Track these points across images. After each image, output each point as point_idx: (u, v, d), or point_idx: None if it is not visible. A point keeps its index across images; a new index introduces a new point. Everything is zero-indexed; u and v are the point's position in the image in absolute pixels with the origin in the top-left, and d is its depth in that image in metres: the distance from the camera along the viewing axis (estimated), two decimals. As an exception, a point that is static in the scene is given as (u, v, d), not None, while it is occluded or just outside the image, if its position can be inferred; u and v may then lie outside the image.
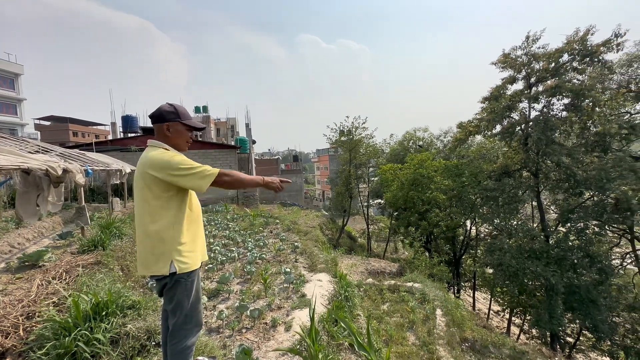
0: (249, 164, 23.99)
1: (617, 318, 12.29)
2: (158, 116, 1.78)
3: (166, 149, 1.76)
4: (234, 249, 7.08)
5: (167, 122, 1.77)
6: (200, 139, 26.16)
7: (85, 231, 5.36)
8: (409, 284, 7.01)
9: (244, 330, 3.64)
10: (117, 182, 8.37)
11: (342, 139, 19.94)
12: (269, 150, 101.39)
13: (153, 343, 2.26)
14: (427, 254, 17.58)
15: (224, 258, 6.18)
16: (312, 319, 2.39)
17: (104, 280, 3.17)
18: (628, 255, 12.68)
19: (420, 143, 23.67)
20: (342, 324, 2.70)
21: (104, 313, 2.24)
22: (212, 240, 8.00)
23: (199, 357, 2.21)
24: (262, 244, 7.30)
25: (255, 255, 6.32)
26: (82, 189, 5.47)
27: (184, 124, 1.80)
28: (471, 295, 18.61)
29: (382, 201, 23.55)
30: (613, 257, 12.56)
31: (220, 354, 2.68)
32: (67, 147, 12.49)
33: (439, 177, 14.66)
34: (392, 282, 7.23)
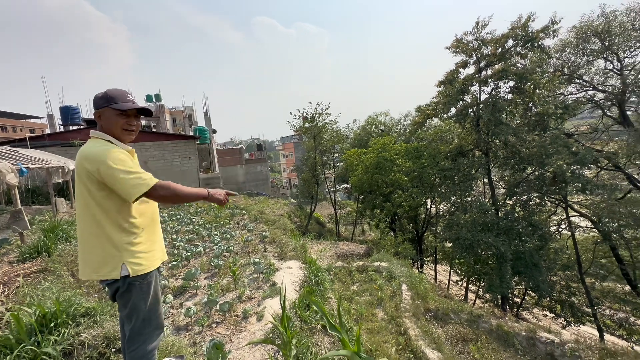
0: (210, 154, 23.00)
1: (554, 277, 14.00)
2: (93, 104, 1.62)
3: (108, 141, 1.58)
4: (199, 243, 6.83)
5: (98, 109, 1.60)
6: (155, 130, 24.42)
7: (24, 237, 4.81)
8: (377, 264, 7.31)
9: (214, 325, 3.56)
10: (60, 180, 7.56)
11: (306, 125, 19.81)
12: (232, 139, 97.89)
13: (113, 350, 2.12)
14: (392, 233, 18.42)
15: (189, 254, 5.94)
16: (283, 306, 2.39)
17: (52, 289, 2.89)
18: (563, 222, 14.35)
19: (382, 127, 24.31)
20: (315, 307, 2.73)
21: (52, 325, 2.04)
22: (174, 236, 7.63)
23: (165, 359, 2.12)
24: (229, 236, 7.11)
25: (223, 248, 6.15)
26: (16, 190, 4.85)
27: (114, 109, 1.58)
28: (433, 268, 19.98)
29: (348, 186, 24.05)
30: (551, 224, 14.16)
31: (190, 352, 2.60)
32: (-6, 143, 10.97)
33: (401, 160, 15.24)
34: (361, 263, 7.48)
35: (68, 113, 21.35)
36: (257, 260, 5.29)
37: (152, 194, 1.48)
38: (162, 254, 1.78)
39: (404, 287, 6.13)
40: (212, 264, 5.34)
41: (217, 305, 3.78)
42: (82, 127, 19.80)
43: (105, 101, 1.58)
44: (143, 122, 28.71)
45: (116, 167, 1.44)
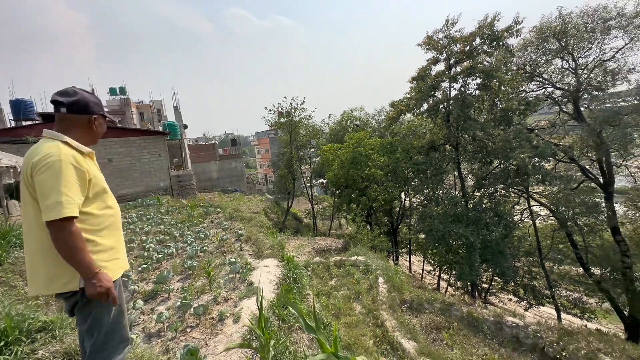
0: (182, 150, 22.14)
1: (518, 263, 14.99)
2: (82, 106, 1.55)
3: (71, 146, 1.49)
4: (171, 244, 6.55)
5: (95, 114, 1.61)
6: (120, 125, 23.07)
7: (-30, 245, 4.36)
8: (354, 258, 7.41)
9: (188, 330, 3.43)
10: (12, 181, 6.94)
11: (282, 120, 19.56)
12: (204, 135, 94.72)
13: (75, 365, 1.97)
14: (368, 227, 18.79)
15: (160, 255, 5.68)
16: (260, 307, 2.34)
17: (2, 302, 2.64)
18: (525, 211, 15.34)
19: (357, 122, 24.55)
20: (291, 309, 2.70)
21: (2, 343, 1.85)
22: (144, 237, 7.27)
23: None
24: (202, 235, 6.88)
25: (196, 248, 5.94)
26: (-42, 193, 4.36)
27: (105, 117, 1.69)
28: (408, 259, 20.67)
29: (325, 181, 24.14)
30: (514, 214, 15.09)
31: (163, 360, 2.49)
32: None
33: (376, 155, 15.50)
34: (338, 258, 7.55)
35: (20, 107, 19.52)
36: (232, 259, 5.17)
37: (51, 229, 1.33)
38: (125, 263, 1.69)
39: (381, 280, 6.26)
40: (185, 265, 5.15)
41: (191, 309, 3.64)
42: (36, 122, 18.22)
43: (100, 108, 1.65)
44: (107, 117, 26.99)
45: (52, 184, 1.35)
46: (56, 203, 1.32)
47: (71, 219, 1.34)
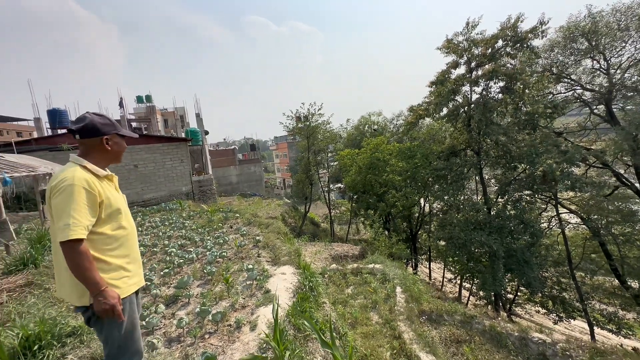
0: (203, 156, 22.80)
1: (545, 273, 14.24)
2: (91, 129, 1.65)
3: (88, 169, 1.61)
4: (191, 249, 6.74)
5: (106, 135, 1.69)
6: (146, 132, 24.10)
7: (10, 248, 4.69)
8: (371, 266, 7.32)
9: (206, 336, 3.51)
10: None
11: (299, 126, 19.76)
12: (224, 140, 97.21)
13: (101, 370, 2.07)
14: (386, 233, 18.53)
15: (181, 260, 5.86)
16: (275, 319, 2.36)
17: (37, 305, 2.82)
18: (553, 219, 14.59)
19: (375, 127, 24.38)
20: (306, 322, 2.70)
21: (36, 347, 1.98)
22: (166, 242, 7.53)
23: None
24: (222, 241, 7.04)
25: (215, 254, 6.08)
26: (0, 200, 4.72)
27: (121, 135, 1.76)
28: (427, 266, 20.16)
29: (342, 185, 24.06)
30: (541, 221, 14.39)
31: (182, 367, 2.55)
32: (-22, 149, 10.70)
33: (394, 160, 15.30)
34: (355, 265, 7.49)
35: (56, 116, 20.86)
36: (250, 266, 5.24)
37: (63, 248, 1.44)
38: (139, 279, 1.77)
39: (398, 289, 6.15)
40: (204, 270, 5.27)
41: (210, 315, 3.72)
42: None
43: (113, 127, 1.72)
44: (134, 124, 28.30)
45: (65, 205, 1.46)
46: (65, 226, 1.42)
47: (78, 240, 1.43)
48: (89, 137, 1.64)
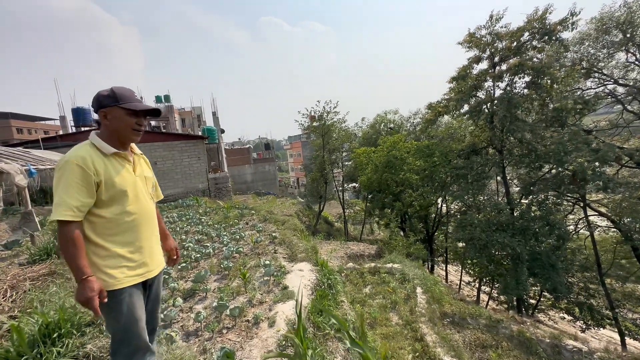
0: (219, 154, 23.07)
1: (572, 278, 13.53)
2: (94, 103, 1.54)
3: (95, 146, 1.51)
4: (208, 244, 6.74)
5: (104, 108, 1.51)
6: (164, 130, 24.64)
7: (35, 239, 4.78)
8: (389, 265, 7.11)
9: (224, 331, 3.43)
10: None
11: (314, 124, 19.65)
12: (239, 139, 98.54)
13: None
14: (401, 233, 18.13)
15: (198, 255, 5.86)
16: (299, 316, 2.23)
17: (58, 294, 2.80)
18: (581, 221, 13.84)
19: (391, 125, 23.97)
20: (333, 320, 2.56)
21: (56, 335, 1.93)
22: (184, 236, 7.58)
23: None
24: (238, 237, 7.00)
25: (232, 249, 6.03)
26: (26, 191, 4.83)
27: (124, 108, 1.52)
28: (444, 269, 19.62)
29: (357, 185, 23.80)
30: (568, 223, 13.67)
31: (200, 361, 2.47)
32: (9, 145, 11.14)
33: (411, 159, 14.94)
34: (372, 264, 7.30)
35: (80, 114, 21.66)
36: (267, 262, 5.15)
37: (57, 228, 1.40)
38: (147, 271, 1.61)
39: (419, 290, 5.92)
40: (221, 265, 5.23)
41: (228, 310, 3.64)
42: (93, 128, 20.08)
43: (113, 100, 1.51)
44: (152, 123, 29.01)
45: (58, 183, 1.39)
46: (55, 205, 1.36)
47: (65, 222, 1.35)
48: (96, 112, 1.55)
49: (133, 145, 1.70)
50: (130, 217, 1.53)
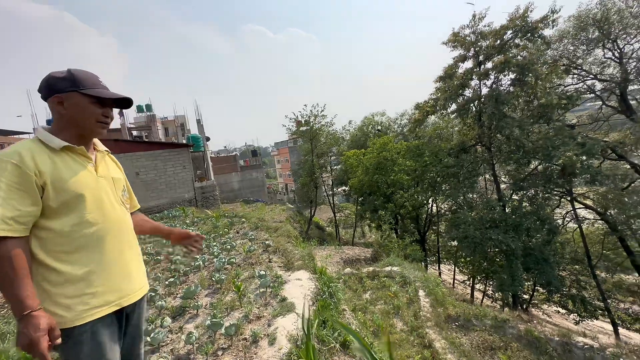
0: (205, 162, 22.46)
1: (563, 272, 13.70)
2: (44, 87, 1.18)
3: (42, 142, 1.15)
4: (197, 256, 6.35)
5: (59, 94, 1.16)
6: (146, 139, 23.83)
7: None
8: (388, 269, 6.90)
9: (220, 352, 3.09)
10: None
11: (302, 128, 19.43)
12: (225, 147, 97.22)
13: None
14: (394, 235, 18.02)
15: (187, 268, 5.48)
16: (308, 334, 1.95)
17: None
18: (568, 215, 14.09)
19: (379, 127, 24.05)
20: (332, 325, 2.29)
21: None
22: (170, 249, 7.14)
23: None
24: (229, 247, 6.64)
25: (223, 260, 5.66)
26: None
27: (88, 95, 1.18)
28: (437, 268, 19.61)
29: (347, 188, 23.69)
30: (555, 217, 13.88)
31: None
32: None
33: (402, 159, 14.90)
34: (371, 268, 7.07)
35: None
36: (262, 272, 4.82)
37: None
38: (119, 297, 1.23)
39: (421, 292, 5.71)
40: (213, 278, 4.87)
41: (222, 328, 3.31)
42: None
43: (71, 84, 1.17)
44: (134, 133, 28.07)
45: None
46: None
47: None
48: (45, 98, 1.20)
49: (97, 141, 1.35)
50: (91, 229, 1.17)
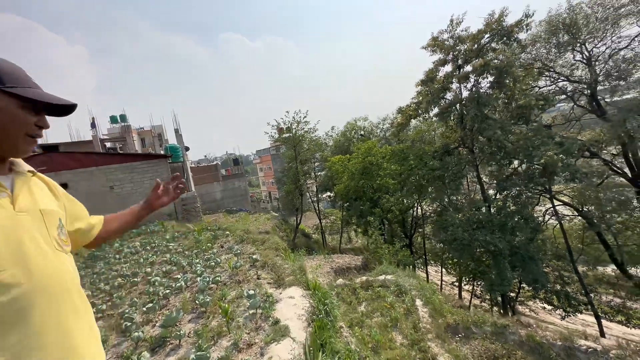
0: (185, 173, 21.63)
1: (546, 268, 14.02)
2: None
3: None
4: (179, 276, 5.86)
5: None
6: (121, 152, 22.75)
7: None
8: (381, 277, 6.66)
9: (207, 393, 2.72)
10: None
11: (285, 135, 19.09)
12: (206, 156, 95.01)
13: None
14: (381, 239, 17.91)
15: (167, 290, 5.01)
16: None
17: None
18: (547, 212, 14.49)
19: (362, 132, 24.10)
20: (331, 348, 2.01)
21: None
22: (149, 269, 6.60)
23: None
24: (213, 263, 6.19)
25: (207, 279, 5.22)
26: None
27: (15, 96, 0.81)
28: (424, 270, 19.67)
29: (332, 194, 23.49)
30: (535, 215, 14.24)
31: None
32: None
33: (386, 164, 14.87)
34: (364, 278, 6.81)
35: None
36: (251, 292, 4.45)
37: None
38: None
39: (418, 302, 5.50)
40: (197, 301, 4.45)
41: (209, 363, 2.94)
42: (35, 153, 17.84)
43: None
44: (107, 145, 26.75)
45: None
46: None
47: None
48: None
49: (17, 160, 0.94)
50: (7, 296, 0.74)
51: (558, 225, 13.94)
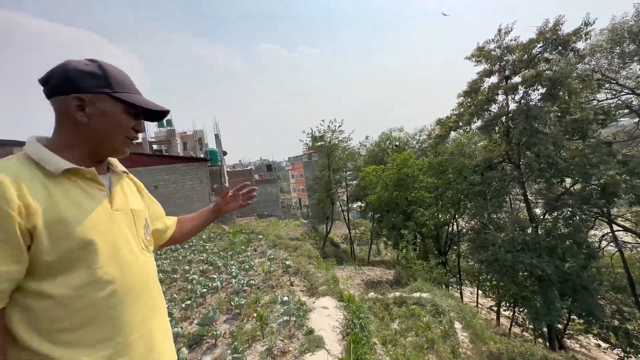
0: (222, 176, 22.59)
1: (602, 300, 12.55)
2: (60, 79, 0.79)
3: (32, 160, 0.76)
4: (214, 276, 6.04)
5: (83, 93, 0.79)
6: (166, 153, 24.32)
7: None
8: (416, 295, 6.36)
9: (242, 399, 2.73)
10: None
11: (319, 144, 19.29)
12: (240, 161, 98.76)
13: None
14: (412, 254, 17.23)
15: (204, 289, 5.17)
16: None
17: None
18: (604, 238, 13.07)
19: (397, 143, 23.66)
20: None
21: None
22: (187, 267, 6.90)
23: None
24: (247, 266, 6.31)
25: (242, 281, 5.32)
26: None
27: (122, 102, 0.84)
28: (458, 290, 18.55)
29: (362, 204, 23.17)
30: (590, 240, 12.88)
31: None
32: None
33: (423, 176, 14.39)
34: (397, 294, 6.54)
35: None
36: (285, 298, 4.45)
37: None
38: None
39: (457, 325, 5.16)
40: (232, 302, 4.53)
41: (245, 367, 2.95)
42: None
43: (102, 82, 0.81)
44: (154, 147, 28.78)
45: None
46: None
47: None
48: (52, 95, 0.81)
49: (113, 160, 0.97)
50: (104, 291, 0.77)
51: (617, 253, 12.53)
